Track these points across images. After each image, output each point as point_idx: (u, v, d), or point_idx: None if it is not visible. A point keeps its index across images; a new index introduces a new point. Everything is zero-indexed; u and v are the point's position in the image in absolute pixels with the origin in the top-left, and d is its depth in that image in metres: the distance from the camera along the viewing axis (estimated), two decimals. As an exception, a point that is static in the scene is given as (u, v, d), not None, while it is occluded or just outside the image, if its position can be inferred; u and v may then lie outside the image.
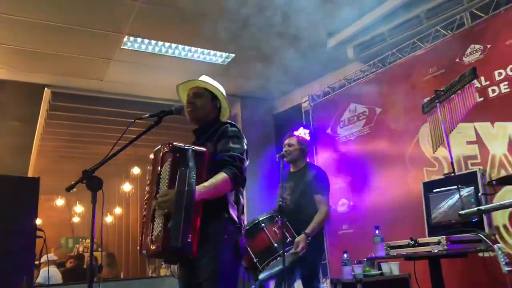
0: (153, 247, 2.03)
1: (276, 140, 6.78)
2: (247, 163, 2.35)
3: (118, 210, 10.45)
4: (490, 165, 3.79)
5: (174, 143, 2.15)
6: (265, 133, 6.95)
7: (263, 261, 3.10)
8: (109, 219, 10.78)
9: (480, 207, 2.20)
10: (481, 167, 3.44)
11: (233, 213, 2.25)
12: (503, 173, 3.69)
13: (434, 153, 3.65)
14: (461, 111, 2.98)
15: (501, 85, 3.76)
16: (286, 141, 3.89)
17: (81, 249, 10.82)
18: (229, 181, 2.14)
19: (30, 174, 8.78)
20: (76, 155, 8.94)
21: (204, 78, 2.55)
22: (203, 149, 2.19)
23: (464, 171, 3.60)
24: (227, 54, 5.74)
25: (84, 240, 11.23)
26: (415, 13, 4.61)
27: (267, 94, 7.20)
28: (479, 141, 3.89)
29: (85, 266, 7.70)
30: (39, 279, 4.45)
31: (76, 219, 11.77)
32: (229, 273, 2.16)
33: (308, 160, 3.97)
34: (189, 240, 1.95)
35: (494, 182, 1.96)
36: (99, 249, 10.42)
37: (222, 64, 5.89)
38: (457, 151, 4.01)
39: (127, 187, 8.62)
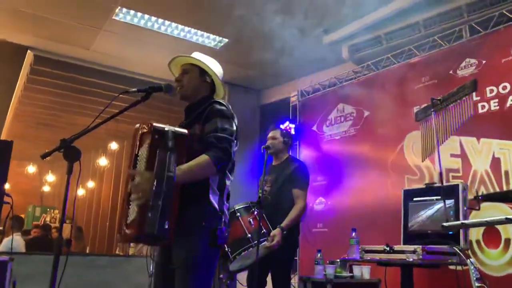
0: (128, 232, 1.94)
1: (260, 131, 6.72)
2: (236, 146, 2.24)
3: (90, 184, 10.24)
4: (471, 180, 3.80)
5: (154, 124, 1.98)
6: (251, 123, 6.88)
7: (234, 251, 3.05)
8: (80, 191, 10.58)
9: (465, 222, 2.18)
10: (462, 181, 3.44)
11: (214, 200, 2.11)
12: (483, 189, 3.71)
13: (423, 161, 3.62)
14: (456, 123, 2.96)
15: (492, 102, 3.77)
16: (270, 134, 3.83)
17: (48, 219, 10.58)
18: (211, 164, 1.98)
19: (3, 138, 8.51)
20: (53, 123, 8.70)
21: (195, 54, 2.41)
22: (184, 131, 2.04)
23: (446, 183, 3.60)
24: (220, 38, 5.62)
25: (52, 210, 10.98)
26: (414, 20, 4.60)
27: (256, 84, 7.12)
28: (463, 155, 3.90)
29: (50, 237, 7.54)
30: (1, 248, 4.30)
31: (46, 188, 11.50)
32: (203, 262, 2.05)
33: (290, 153, 3.92)
34: (166, 227, 1.86)
35: (480, 197, 1.94)
36: (68, 221, 10.25)
37: (214, 48, 5.77)
38: (440, 162, 4.03)
39: (103, 161, 8.43)
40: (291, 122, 5.66)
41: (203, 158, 2.00)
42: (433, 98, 3.00)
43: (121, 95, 2.20)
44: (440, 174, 2.93)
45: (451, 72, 4.12)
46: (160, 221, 1.84)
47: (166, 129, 1.96)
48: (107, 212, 9.69)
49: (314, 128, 5.50)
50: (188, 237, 2.02)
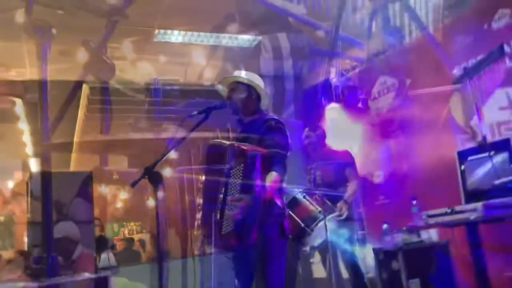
0: (232, 242, 2.39)
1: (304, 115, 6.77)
2: None
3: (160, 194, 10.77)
4: (523, 129, 3.83)
5: (246, 149, 2.39)
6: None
7: (311, 224, 3.38)
8: (151, 202, 11.16)
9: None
10: (514, 133, 3.49)
11: (278, 200, 2.52)
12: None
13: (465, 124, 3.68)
14: (489, 88, 3.02)
15: (532, 48, 3.76)
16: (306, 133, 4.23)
17: (126, 232, 11.29)
18: (279, 180, 2.46)
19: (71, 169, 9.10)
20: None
21: (237, 73, 2.79)
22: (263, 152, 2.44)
23: (497, 138, 3.66)
24: (253, 37, 5.85)
25: (127, 224, 11.70)
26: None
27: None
28: (511, 107, 3.92)
29: (134, 248, 8.12)
30: (101, 264, 4.76)
31: (119, 205, 12.24)
32: (277, 249, 2.47)
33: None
34: (254, 235, 2.34)
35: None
36: (143, 231, 10.88)
37: (250, 48, 6.00)
38: (489, 117, 4.05)
39: (167, 172, 8.90)
40: (336, 102, 5.80)
41: (275, 176, 2.43)
42: (465, 66, 3.07)
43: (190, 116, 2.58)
44: (484, 138, 3.01)
45: (485, 27, 4.12)
46: (253, 232, 2.35)
47: (255, 153, 2.38)
48: (174, 217, 10.13)
49: (360, 105, 5.63)
50: (263, 231, 2.41)
